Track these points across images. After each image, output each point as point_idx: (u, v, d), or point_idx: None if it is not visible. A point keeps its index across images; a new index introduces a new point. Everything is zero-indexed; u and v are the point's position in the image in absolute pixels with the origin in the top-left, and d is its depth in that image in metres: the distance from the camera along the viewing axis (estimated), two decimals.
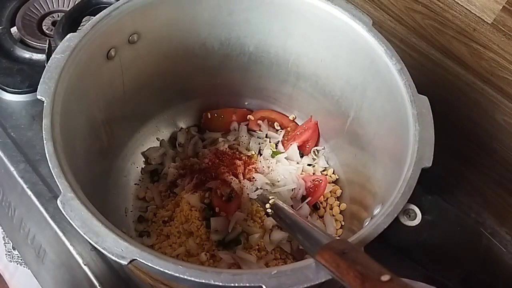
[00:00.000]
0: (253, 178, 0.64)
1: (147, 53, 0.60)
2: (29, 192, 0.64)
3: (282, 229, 0.60)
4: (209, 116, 0.72)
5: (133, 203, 0.65)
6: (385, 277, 0.31)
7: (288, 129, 0.72)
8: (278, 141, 0.71)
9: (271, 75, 0.68)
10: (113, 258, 0.38)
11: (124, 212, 0.64)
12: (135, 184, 0.67)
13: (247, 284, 0.36)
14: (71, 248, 0.60)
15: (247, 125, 0.73)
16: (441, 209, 0.48)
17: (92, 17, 0.53)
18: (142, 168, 0.68)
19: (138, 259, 0.37)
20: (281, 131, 0.72)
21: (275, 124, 0.73)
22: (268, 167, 0.66)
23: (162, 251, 0.59)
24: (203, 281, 0.36)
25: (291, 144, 0.69)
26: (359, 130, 0.60)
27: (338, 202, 0.66)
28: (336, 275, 0.35)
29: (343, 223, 0.64)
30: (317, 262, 0.37)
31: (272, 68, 0.67)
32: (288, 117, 0.73)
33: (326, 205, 0.66)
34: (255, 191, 0.62)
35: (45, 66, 0.48)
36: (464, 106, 0.66)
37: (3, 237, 0.78)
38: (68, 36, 0.51)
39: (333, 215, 0.65)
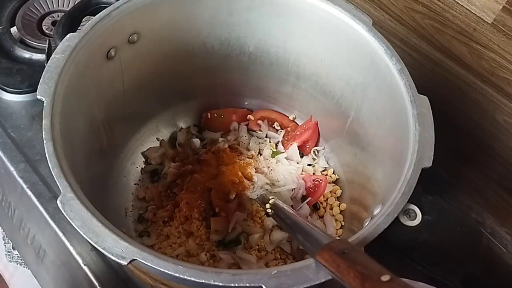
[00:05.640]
0: (253, 178, 0.64)
1: (147, 53, 0.60)
2: (29, 192, 0.64)
3: (282, 229, 0.60)
4: (209, 116, 0.72)
5: (133, 203, 0.65)
6: (385, 277, 0.31)
7: (288, 129, 0.72)
8: (278, 141, 0.71)
9: (271, 75, 0.68)
10: (113, 258, 0.37)
11: (124, 212, 0.64)
12: (135, 184, 0.67)
13: (247, 284, 0.36)
14: (71, 248, 0.60)
15: (247, 125, 0.73)
16: (441, 209, 0.48)
17: (92, 17, 0.53)
18: (142, 168, 0.68)
19: (138, 259, 0.37)
20: (281, 131, 0.72)
21: (275, 124, 0.73)
22: (268, 167, 0.66)
23: (162, 251, 0.59)
24: (203, 281, 0.36)
25: (291, 144, 0.69)
26: (359, 130, 0.60)
27: (338, 202, 0.66)
28: (336, 275, 0.35)
29: (343, 223, 0.64)
30: (317, 262, 0.37)
31: (272, 68, 0.67)
32: (288, 117, 0.73)
33: (326, 205, 0.66)
34: (255, 191, 0.62)
35: (45, 66, 0.48)
36: (464, 106, 0.66)
37: (3, 237, 0.78)
38: (68, 36, 0.51)
39: (333, 215, 0.65)
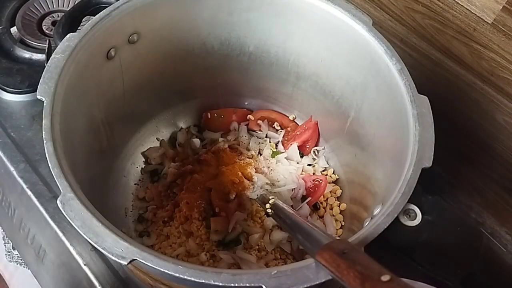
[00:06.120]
0: (253, 178, 0.64)
1: (147, 53, 0.60)
2: (29, 192, 0.64)
3: (282, 229, 0.60)
4: (209, 116, 0.72)
5: (133, 203, 0.65)
6: (385, 277, 0.31)
7: (288, 129, 0.72)
8: (278, 141, 0.71)
9: (271, 75, 0.68)
10: (113, 258, 0.37)
11: (124, 212, 0.64)
12: (135, 184, 0.67)
13: (247, 284, 0.36)
14: (71, 248, 0.60)
15: (247, 125, 0.73)
16: (441, 209, 0.48)
17: (92, 17, 0.53)
18: (142, 168, 0.68)
19: (138, 259, 0.37)
20: (281, 131, 0.72)
21: (275, 124, 0.73)
22: (268, 167, 0.66)
23: (162, 251, 0.59)
24: (203, 281, 0.36)
25: (291, 144, 0.69)
26: (359, 130, 0.60)
27: (338, 202, 0.66)
28: (336, 275, 0.35)
29: (343, 223, 0.64)
30: (317, 262, 0.37)
31: (272, 68, 0.67)
32: (288, 117, 0.73)
33: (326, 205, 0.66)
34: (255, 191, 0.62)
35: (45, 66, 0.48)
36: (464, 106, 0.66)
37: (3, 237, 0.78)
38: (68, 36, 0.51)
39: (333, 215, 0.65)
